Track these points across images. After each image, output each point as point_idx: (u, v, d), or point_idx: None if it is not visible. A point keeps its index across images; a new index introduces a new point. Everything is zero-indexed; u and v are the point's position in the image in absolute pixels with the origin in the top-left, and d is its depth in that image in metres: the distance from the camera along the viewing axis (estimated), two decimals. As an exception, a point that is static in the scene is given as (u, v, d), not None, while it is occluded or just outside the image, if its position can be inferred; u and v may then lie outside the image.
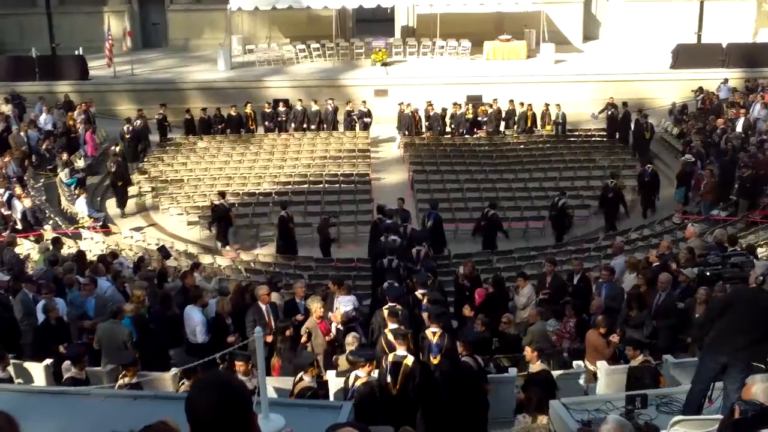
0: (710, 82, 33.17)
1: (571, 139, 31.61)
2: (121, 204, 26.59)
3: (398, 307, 12.93)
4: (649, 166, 25.86)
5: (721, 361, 8.44)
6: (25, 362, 12.12)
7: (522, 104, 31.90)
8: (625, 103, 31.18)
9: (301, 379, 10.57)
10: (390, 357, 10.88)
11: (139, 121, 30.04)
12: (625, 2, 40.78)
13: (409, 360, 10.84)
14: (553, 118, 31.59)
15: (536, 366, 11.15)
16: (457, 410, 10.76)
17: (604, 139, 31.54)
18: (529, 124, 31.77)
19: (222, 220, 23.66)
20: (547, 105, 31.80)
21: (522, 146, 30.60)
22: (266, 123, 31.89)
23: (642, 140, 29.53)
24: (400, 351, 10.91)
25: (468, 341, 11.26)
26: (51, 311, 13.16)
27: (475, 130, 31.73)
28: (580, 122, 32.89)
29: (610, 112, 31.26)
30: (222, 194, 24.31)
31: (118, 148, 27.60)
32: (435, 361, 11.45)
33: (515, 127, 31.85)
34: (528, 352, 11.33)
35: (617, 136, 31.24)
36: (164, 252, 20.13)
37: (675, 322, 13.53)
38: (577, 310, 13.99)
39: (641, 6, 40.33)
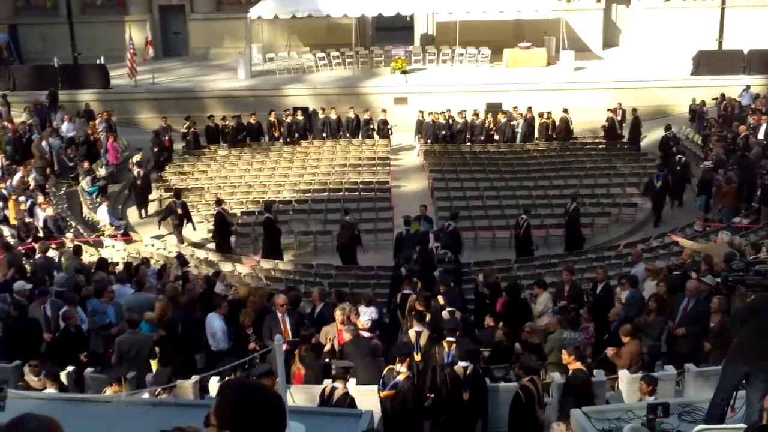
0: (732, 88, 32.93)
1: (591, 146, 31.51)
2: (142, 208, 26.89)
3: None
4: (659, 173, 25.63)
5: (744, 370, 8.37)
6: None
7: (514, 110, 31.87)
8: (634, 110, 31.22)
9: None
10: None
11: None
12: (645, 9, 40.57)
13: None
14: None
15: (574, 365, 11.17)
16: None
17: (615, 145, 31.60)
18: (550, 132, 31.60)
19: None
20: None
21: (542, 154, 30.52)
22: (292, 127, 31.86)
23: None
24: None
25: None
26: (70, 318, 13.26)
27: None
28: (598, 129, 32.74)
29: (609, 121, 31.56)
30: (219, 202, 24.19)
31: (139, 157, 27.67)
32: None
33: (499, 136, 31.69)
34: (565, 356, 11.31)
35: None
36: (182, 260, 20.24)
37: (702, 328, 13.42)
38: (594, 315, 13.90)
39: (661, 13, 40.08)
